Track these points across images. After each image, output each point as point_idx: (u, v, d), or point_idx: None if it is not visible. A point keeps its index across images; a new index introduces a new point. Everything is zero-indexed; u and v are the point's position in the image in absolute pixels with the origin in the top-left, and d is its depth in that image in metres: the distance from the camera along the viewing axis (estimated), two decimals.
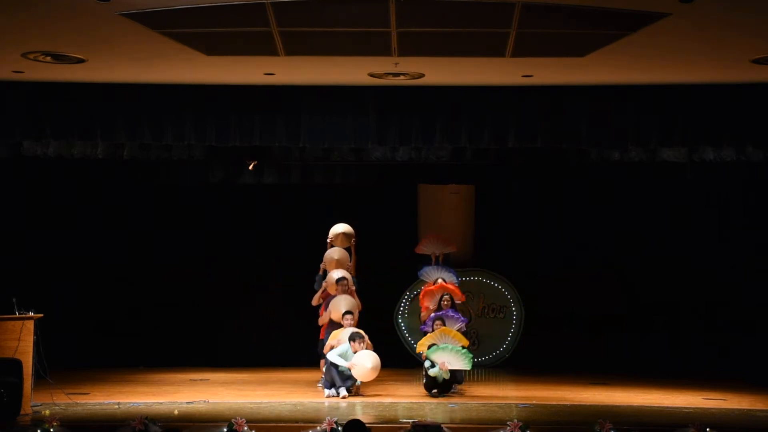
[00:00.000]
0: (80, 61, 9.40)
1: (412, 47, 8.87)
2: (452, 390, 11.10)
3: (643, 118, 10.38)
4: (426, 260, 12.97)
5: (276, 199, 14.38)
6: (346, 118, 10.50)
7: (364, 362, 10.78)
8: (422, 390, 11.57)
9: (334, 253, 11.68)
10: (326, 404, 10.36)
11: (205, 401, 10.39)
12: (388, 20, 8.04)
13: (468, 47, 8.92)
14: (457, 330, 11.26)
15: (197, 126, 10.49)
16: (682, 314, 14.03)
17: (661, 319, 14.12)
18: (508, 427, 8.14)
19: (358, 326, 11.25)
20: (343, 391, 10.76)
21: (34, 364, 9.63)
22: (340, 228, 11.93)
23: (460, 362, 10.84)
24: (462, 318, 11.67)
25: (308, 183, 13.59)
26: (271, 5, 7.77)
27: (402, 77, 9.95)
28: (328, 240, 11.92)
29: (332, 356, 10.90)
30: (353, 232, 11.99)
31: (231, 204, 14.48)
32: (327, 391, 10.87)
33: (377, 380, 12.46)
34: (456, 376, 11.18)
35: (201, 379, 12.60)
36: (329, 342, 11.09)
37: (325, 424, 8.20)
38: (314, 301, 11.93)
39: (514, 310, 14.36)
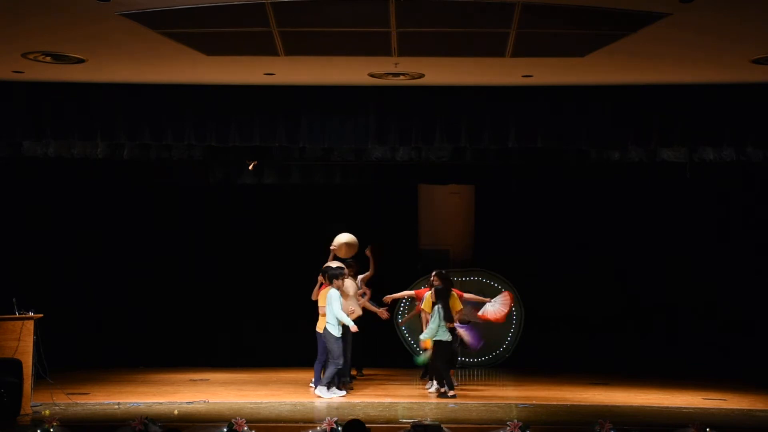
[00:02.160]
0: (80, 61, 9.40)
1: (412, 47, 8.87)
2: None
3: (643, 118, 10.37)
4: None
5: (276, 199, 14.37)
6: (346, 118, 10.49)
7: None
8: (422, 390, 11.60)
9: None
10: (326, 404, 10.37)
11: (205, 401, 10.39)
12: (388, 20, 8.04)
13: (468, 47, 8.91)
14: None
15: (197, 126, 10.48)
16: (682, 314, 14.02)
17: (661, 319, 14.11)
18: (508, 427, 8.13)
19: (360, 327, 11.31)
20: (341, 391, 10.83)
21: (34, 364, 9.63)
22: (344, 238, 11.72)
23: None
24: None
25: (308, 183, 13.59)
26: (271, 5, 7.77)
27: (402, 77, 9.94)
28: (332, 248, 11.75)
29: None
30: (356, 242, 11.84)
31: (231, 204, 14.47)
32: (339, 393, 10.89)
33: (377, 380, 12.49)
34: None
35: (201, 379, 12.60)
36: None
37: (325, 424, 8.20)
38: (314, 296, 11.86)
39: (514, 310, 14.36)
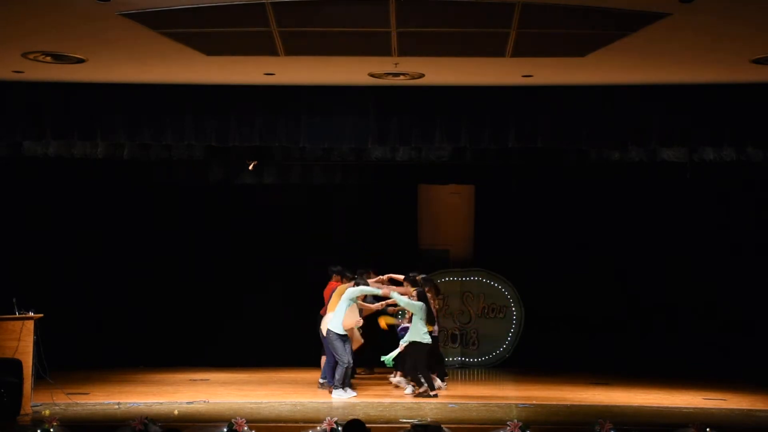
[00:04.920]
0: (80, 61, 9.40)
1: (412, 47, 8.87)
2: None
3: (643, 118, 10.37)
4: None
5: (276, 199, 14.37)
6: (346, 118, 10.50)
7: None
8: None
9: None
10: (326, 404, 10.37)
11: (205, 401, 10.40)
12: (388, 20, 8.04)
13: (468, 47, 8.92)
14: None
15: (197, 126, 10.48)
16: (682, 314, 14.01)
17: (661, 319, 14.10)
18: (508, 427, 8.14)
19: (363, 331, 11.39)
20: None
21: (34, 364, 9.63)
22: None
23: None
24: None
25: (308, 183, 13.59)
26: (271, 5, 7.77)
27: (402, 77, 9.94)
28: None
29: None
30: None
31: (231, 204, 14.47)
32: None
33: (377, 380, 12.48)
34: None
35: (201, 379, 12.60)
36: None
37: (325, 424, 8.20)
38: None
39: (514, 310, 14.37)
